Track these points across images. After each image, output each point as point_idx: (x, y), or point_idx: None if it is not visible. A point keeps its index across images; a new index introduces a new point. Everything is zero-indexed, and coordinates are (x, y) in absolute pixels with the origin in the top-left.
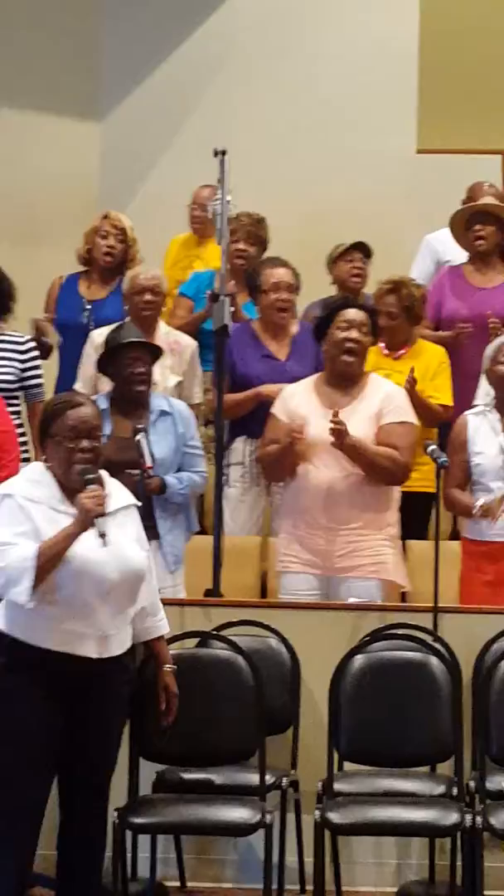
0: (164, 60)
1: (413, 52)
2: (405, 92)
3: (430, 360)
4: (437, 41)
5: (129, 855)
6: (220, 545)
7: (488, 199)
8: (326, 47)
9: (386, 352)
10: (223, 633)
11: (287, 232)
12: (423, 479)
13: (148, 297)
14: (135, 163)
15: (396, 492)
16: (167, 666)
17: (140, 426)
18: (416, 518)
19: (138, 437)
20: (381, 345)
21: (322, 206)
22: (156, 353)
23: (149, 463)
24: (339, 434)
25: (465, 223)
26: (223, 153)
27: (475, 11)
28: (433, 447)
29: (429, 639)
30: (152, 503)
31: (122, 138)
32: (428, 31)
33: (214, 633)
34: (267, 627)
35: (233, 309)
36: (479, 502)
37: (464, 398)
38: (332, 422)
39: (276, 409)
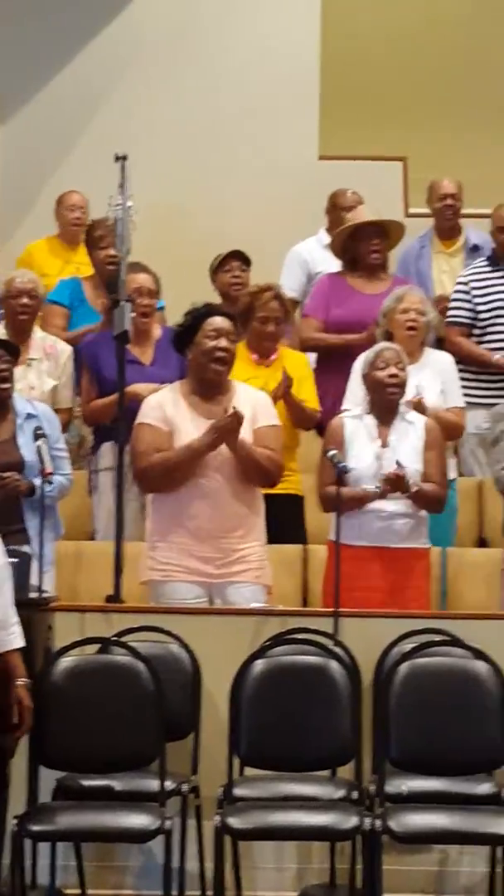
0: (66, 65)
1: (314, 60)
2: (307, 99)
3: (295, 366)
4: (338, 49)
5: (28, 863)
6: (121, 551)
7: (358, 207)
8: (229, 53)
9: (256, 358)
10: (124, 639)
11: (188, 238)
12: (292, 481)
13: (24, 300)
14: (36, 167)
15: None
16: (20, 680)
17: (40, 431)
18: (289, 521)
19: (39, 442)
20: (253, 355)
21: (224, 211)
22: (13, 351)
23: (49, 468)
24: (236, 424)
25: (352, 234)
26: (124, 158)
27: (376, 20)
28: (334, 453)
29: (329, 643)
30: (22, 507)
31: (23, 143)
32: (329, 39)
33: (114, 639)
34: (168, 633)
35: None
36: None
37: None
38: (231, 416)
39: (147, 419)
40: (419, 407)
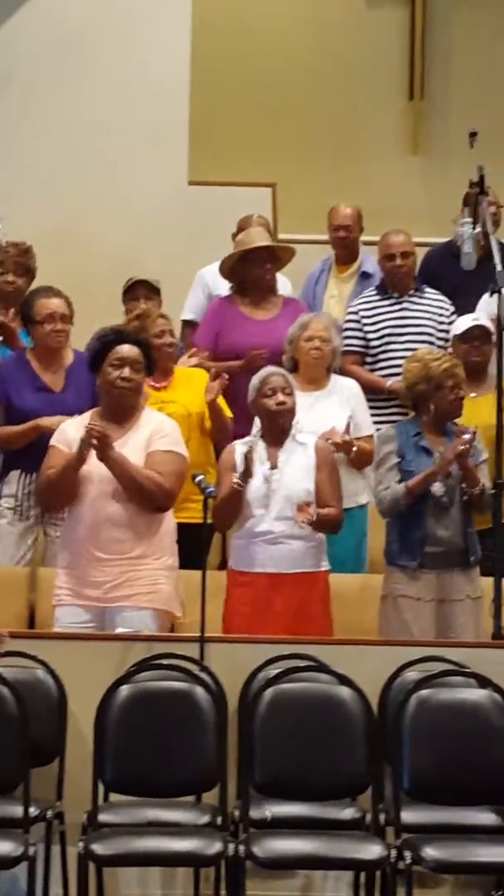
0: None
1: (184, 85)
2: (176, 124)
3: (196, 382)
4: (207, 75)
5: None
6: None
7: (249, 229)
8: (99, 79)
9: (153, 384)
10: None
11: (58, 264)
12: (200, 510)
13: None
14: None
15: (171, 521)
16: None
17: None
18: (195, 549)
19: None
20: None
21: (94, 236)
22: None
23: None
24: (103, 443)
25: (243, 257)
26: None
27: (245, 48)
28: (200, 478)
29: (195, 668)
30: None
31: None
32: (199, 66)
33: None
34: (34, 658)
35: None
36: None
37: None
38: (88, 428)
39: (54, 440)
40: (345, 446)
